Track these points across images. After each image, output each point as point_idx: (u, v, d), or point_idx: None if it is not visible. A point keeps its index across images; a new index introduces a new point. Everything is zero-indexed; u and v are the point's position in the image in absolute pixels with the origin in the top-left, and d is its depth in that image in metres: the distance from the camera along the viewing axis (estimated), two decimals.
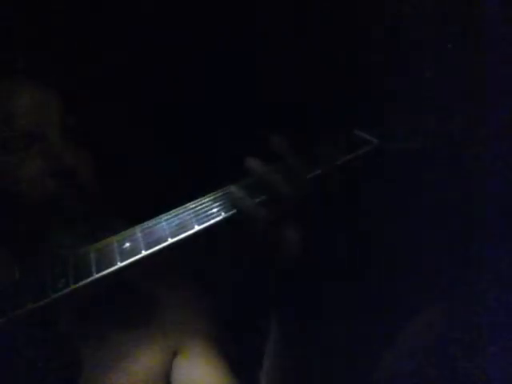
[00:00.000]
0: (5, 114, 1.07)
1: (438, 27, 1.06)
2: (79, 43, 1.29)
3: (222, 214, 0.92)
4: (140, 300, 1.17)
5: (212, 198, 0.95)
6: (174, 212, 0.95)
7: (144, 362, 1.12)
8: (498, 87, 0.99)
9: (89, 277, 0.91)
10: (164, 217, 0.95)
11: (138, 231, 0.94)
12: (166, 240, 0.91)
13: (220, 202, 0.94)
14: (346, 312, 1.32)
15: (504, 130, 0.95)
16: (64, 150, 1.07)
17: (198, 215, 0.93)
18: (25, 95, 1.10)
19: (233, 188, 0.94)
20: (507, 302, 1.17)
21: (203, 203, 0.95)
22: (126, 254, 0.92)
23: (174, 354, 1.17)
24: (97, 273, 0.91)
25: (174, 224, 0.93)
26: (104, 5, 1.29)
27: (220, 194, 0.95)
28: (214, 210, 0.92)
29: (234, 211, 0.92)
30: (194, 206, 0.95)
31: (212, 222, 0.92)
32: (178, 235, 0.91)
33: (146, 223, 0.95)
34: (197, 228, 0.91)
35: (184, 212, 0.94)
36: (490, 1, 1.06)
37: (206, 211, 0.93)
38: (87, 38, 1.29)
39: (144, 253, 0.91)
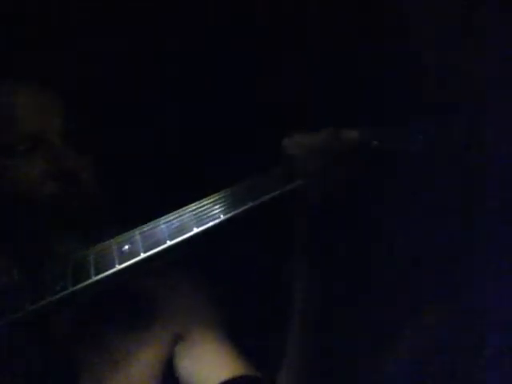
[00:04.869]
0: (6, 117, 1.07)
1: (439, 27, 1.05)
2: (80, 45, 1.28)
3: (221, 216, 0.91)
4: (138, 295, 1.16)
5: (211, 200, 0.95)
6: (173, 214, 0.95)
7: (143, 359, 1.12)
8: (498, 87, 0.99)
9: (87, 279, 0.91)
10: (163, 219, 0.95)
11: (137, 234, 0.94)
12: (165, 242, 0.91)
13: (219, 205, 0.94)
14: (346, 312, 1.32)
15: (505, 130, 0.94)
16: (65, 152, 1.08)
17: (197, 217, 0.93)
18: (26, 98, 1.10)
19: None
20: (507, 303, 1.17)
21: (202, 206, 0.94)
22: (124, 257, 0.92)
23: (176, 342, 1.16)
24: (95, 275, 0.91)
25: (173, 226, 0.93)
26: (104, 5, 1.29)
27: (218, 196, 0.95)
28: (213, 213, 0.92)
29: (234, 213, 0.92)
30: (192, 208, 0.95)
31: (211, 224, 0.91)
32: (177, 237, 0.91)
33: (145, 226, 0.96)
34: (196, 230, 0.91)
35: (183, 214, 0.94)
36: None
37: (205, 213, 0.93)
38: (88, 39, 1.29)
39: (143, 255, 0.91)
